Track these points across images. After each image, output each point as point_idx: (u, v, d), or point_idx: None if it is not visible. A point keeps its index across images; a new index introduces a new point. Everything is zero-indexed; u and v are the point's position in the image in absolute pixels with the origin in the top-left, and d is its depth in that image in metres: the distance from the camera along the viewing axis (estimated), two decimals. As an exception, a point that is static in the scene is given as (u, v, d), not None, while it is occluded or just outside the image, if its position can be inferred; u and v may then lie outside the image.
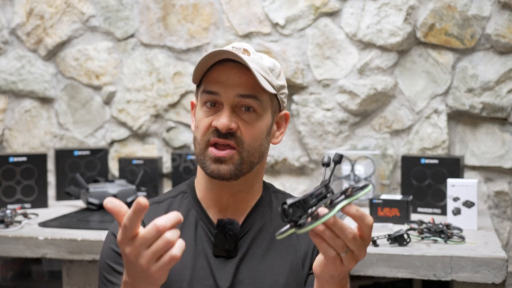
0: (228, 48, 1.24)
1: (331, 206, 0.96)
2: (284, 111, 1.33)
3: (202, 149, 1.22)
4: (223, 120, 1.19)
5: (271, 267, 1.25)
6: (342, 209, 0.96)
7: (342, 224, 0.96)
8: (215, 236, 1.24)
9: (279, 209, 0.94)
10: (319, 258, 1.05)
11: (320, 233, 0.96)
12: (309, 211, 0.95)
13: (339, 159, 1.04)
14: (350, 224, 0.99)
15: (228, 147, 1.21)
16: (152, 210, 1.28)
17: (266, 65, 1.25)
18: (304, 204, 0.95)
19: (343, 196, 0.97)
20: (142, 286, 0.97)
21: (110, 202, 0.94)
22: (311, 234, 0.97)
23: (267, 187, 1.35)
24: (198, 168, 1.29)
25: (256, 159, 1.25)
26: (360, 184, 1.03)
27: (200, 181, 1.30)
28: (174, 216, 0.93)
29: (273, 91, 1.24)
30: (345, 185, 1.05)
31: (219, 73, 1.22)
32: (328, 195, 0.99)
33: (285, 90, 1.31)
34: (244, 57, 1.20)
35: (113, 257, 1.24)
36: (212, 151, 1.21)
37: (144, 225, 1.24)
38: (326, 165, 1.06)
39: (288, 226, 0.95)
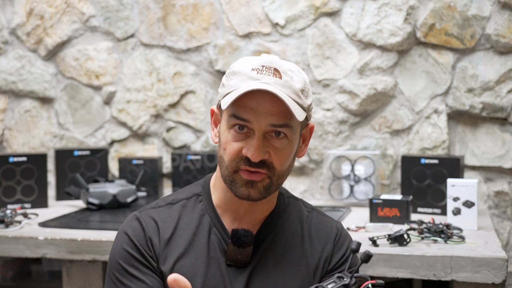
0: (257, 65, 1.18)
1: None
2: (310, 124, 1.29)
3: (231, 172, 1.20)
4: (255, 152, 1.16)
5: (283, 278, 1.24)
6: None
7: None
8: (229, 245, 1.23)
9: None
10: None
11: None
12: None
13: (366, 259, 0.99)
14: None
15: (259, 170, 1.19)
16: (165, 211, 1.27)
17: (297, 87, 1.19)
18: None
19: None
20: None
21: (175, 282, 0.99)
22: None
23: (281, 193, 1.33)
24: (217, 174, 1.27)
25: (284, 180, 1.24)
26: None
27: (218, 189, 1.27)
28: None
29: (305, 115, 1.19)
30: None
31: (250, 99, 1.15)
32: None
33: (312, 104, 1.27)
34: (276, 83, 1.16)
35: (126, 257, 1.22)
36: (245, 174, 1.18)
37: (157, 225, 1.24)
38: (354, 251, 1.01)
39: None
